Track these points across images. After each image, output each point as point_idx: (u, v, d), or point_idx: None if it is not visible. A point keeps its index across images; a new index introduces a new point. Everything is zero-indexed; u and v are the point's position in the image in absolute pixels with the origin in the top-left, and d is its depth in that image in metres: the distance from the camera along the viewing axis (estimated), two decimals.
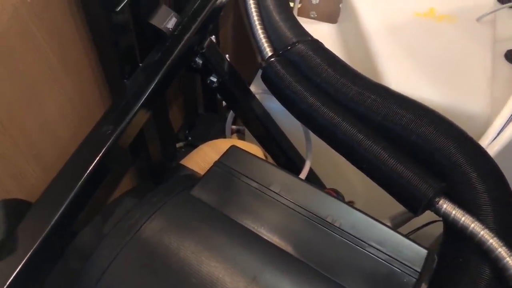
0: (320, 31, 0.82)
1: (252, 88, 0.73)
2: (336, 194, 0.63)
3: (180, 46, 0.56)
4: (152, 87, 0.52)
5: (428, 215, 0.52)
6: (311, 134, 0.68)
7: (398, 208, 0.64)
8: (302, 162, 0.72)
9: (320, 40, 0.63)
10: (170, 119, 0.75)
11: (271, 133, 0.71)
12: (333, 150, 0.58)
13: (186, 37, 0.57)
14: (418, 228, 0.67)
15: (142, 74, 0.53)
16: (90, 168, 0.45)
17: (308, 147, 0.64)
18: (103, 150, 0.46)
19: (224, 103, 0.89)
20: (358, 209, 0.49)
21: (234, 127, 0.94)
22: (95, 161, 0.45)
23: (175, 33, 0.57)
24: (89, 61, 0.51)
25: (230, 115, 0.75)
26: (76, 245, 0.48)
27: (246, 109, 0.69)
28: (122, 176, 0.67)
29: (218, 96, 0.85)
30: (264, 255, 0.43)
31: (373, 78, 0.59)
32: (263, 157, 0.70)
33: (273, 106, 0.72)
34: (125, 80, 0.52)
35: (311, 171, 0.73)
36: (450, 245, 0.49)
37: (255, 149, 0.69)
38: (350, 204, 0.52)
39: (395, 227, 0.62)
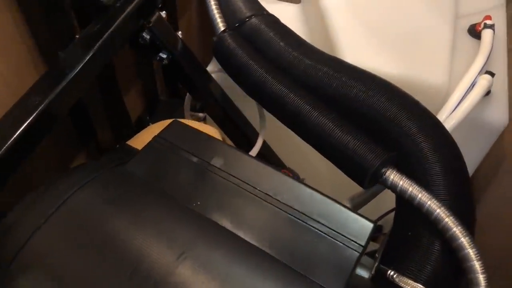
0: (284, 11, 0.80)
1: (209, 67, 0.71)
2: (291, 174, 0.60)
3: (120, 18, 0.54)
4: (87, 58, 0.49)
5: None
6: (267, 113, 0.66)
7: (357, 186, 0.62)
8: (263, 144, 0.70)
9: (284, 20, 0.61)
10: (126, 104, 0.72)
11: (229, 113, 0.68)
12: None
13: (128, 10, 0.55)
14: (386, 213, 0.65)
15: (78, 46, 0.50)
16: (13, 138, 0.42)
17: (261, 124, 0.61)
18: (28, 121, 0.43)
19: None
20: (305, 183, 0.46)
21: (201, 114, 0.92)
22: (18, 131, 0.42)
23: (117, 5, 0.55)
24: (20, 33, 0.48)
25: (187, 98, 0.72)
26: (2, 224, 0.45)
27: (202, 88, 0.67)
28: (70, 161, 0.64)
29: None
30: (195, 230, 0.40)
31: (332, 54, 0.57)
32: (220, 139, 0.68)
33: (232, 85, 0.70)
34: (59, 52, 0.49)
35: (271, 152, 0.70)
36: (400, 219, 0.47)
37: (211, 131, 0.66)
38: (299, 180, 0.50)
39: (354, 208, 0.60)
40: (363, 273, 0.42)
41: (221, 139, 0.68)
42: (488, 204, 0.68)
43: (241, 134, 0.70)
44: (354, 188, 0.61)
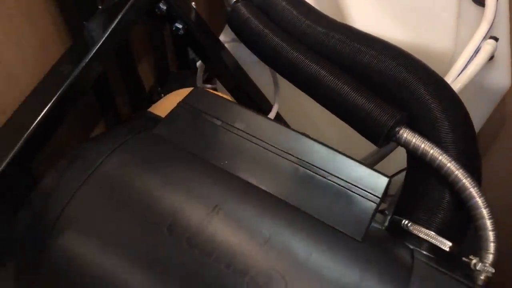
0: None
1: (222, 37, 0.73)
2: None
3: None
4: (111, 29, 0.51)
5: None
6: (280, 81, 0.68)
7: (366, 153, 0.65)
8: None
9: None
10: (141, 76, 0.74)
11: (241, 83, 0.71)
12: (306, 104, 0.58)
13: None
14: (394, 175, 0.68)
15: (101, 16, 0.52)
16: (48, 106, 0.44)
17: (276, 91, 0.63)
18: (61, 90, 0.45)
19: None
20: (322, 143, 0.49)
21: (209, 86, 0.94)
22: (53, 100, 0.45)
23: None
24: (46, 5, 0.50)
25: (200, 67, 0.74)
26: (40, 190, 0.47)
27: (215, 58, 0.69)
28: (90, 131, 0.66)
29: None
30: (225, 185, 0.43)
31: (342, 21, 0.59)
32: None
33: (244, 55, 0.72)
34: (85, 22, 0.51)
35: (281, 120, 0.73)
36: (412, 174, 0.50)
37: None
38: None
39: None
40: (376, 226, 0.46)
41: None
42: (488, 167, 0.72)
43: (253, 103, 0.72)
44: (359, 152, 0.64)
